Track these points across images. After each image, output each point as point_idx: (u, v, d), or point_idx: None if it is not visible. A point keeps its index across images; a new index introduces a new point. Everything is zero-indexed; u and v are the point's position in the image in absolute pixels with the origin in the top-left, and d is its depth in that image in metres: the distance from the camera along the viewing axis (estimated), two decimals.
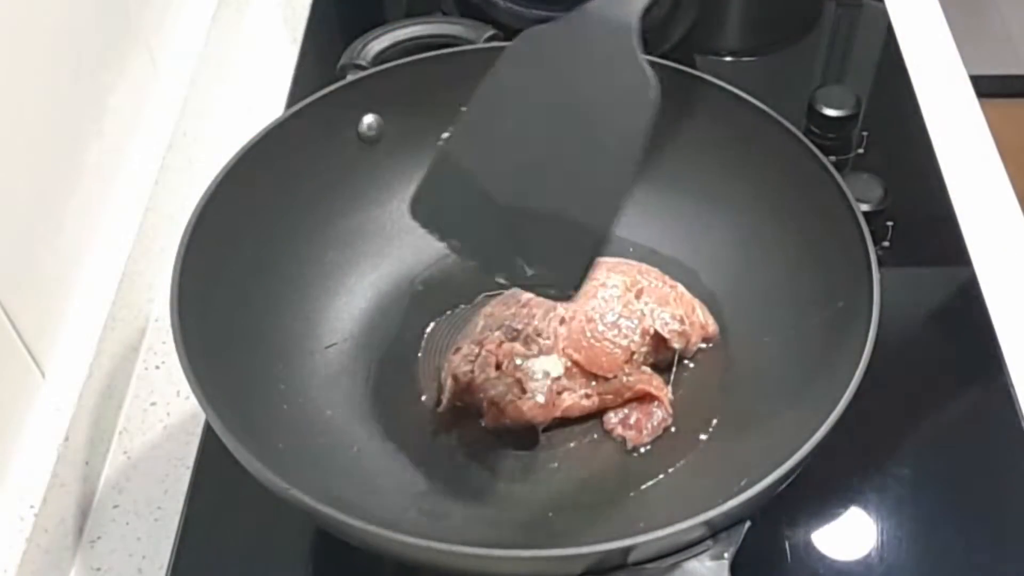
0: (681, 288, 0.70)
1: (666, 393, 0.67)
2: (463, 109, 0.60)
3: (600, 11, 0.58)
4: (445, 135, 0.60)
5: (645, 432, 0.65)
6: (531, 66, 0.59)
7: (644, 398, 0.66)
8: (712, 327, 0.70)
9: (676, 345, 0.68)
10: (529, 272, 0.57)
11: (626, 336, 0.67)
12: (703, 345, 0.70)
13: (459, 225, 0.59)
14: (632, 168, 0.56)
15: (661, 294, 0.69)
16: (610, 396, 0.66)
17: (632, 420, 0.66)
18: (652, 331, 0.67)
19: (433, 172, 0.60)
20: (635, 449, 0.65)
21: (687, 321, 0.68)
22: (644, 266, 0.71)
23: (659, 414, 0.66)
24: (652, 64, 0.63)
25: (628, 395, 0.66)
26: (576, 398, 0.66)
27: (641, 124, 0.56)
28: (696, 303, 0.70)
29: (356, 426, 0.66)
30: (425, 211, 0.59)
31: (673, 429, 0.66)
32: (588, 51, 0.58)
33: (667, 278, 0.71)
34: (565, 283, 0.56)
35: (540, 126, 0.58)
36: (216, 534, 0.67)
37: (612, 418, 0.66)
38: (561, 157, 0.57)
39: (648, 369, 0.68)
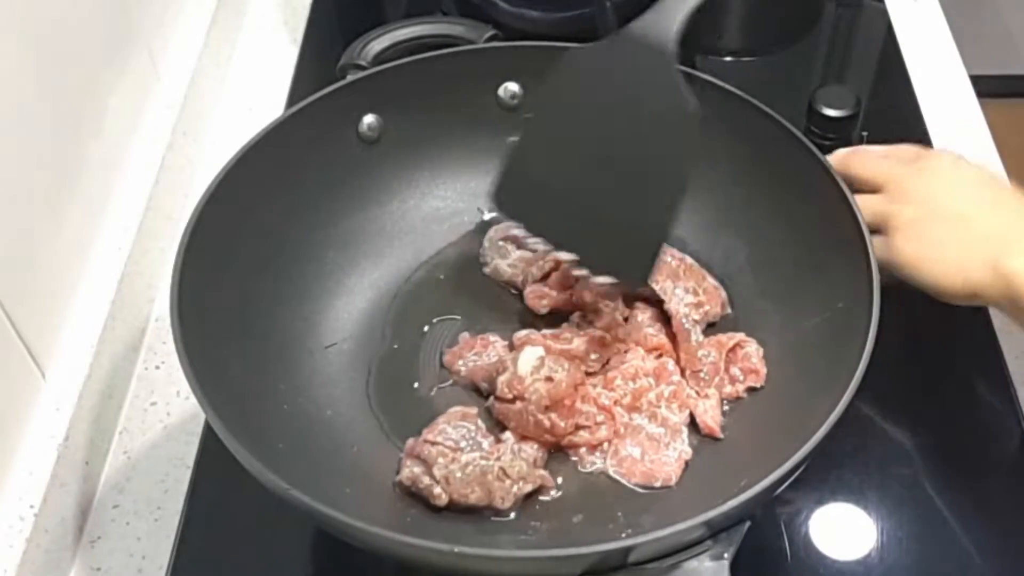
0: (689, 260, 0.71)
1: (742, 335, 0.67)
2: (527, 117, 0.67)
3: (639, 33, 0.61)
4: (512, 139, 0.67)
5: (760, 367, 0.66)
6: (581, 83, 0.63)
7: (732, 353, 0.67)
8: (724, 294, 0.70)
9: (695, 317, 0.68)
10: (602, 264, 0.63)
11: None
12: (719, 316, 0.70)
13: (537, 220, 0.65)
14: (681, 180, 0.62)
15: (669, 269, 0.69)
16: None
17: (739, 374, 0.66)
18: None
19: (507, 171, 0.66)
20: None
21: (699, 290, 0.69)
22: None
23: (751, 348, 0.67)
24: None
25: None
26: (711, 408, 0.65)
27: (684, 140, 0.61)
28: (705, 273, 0.71)
29: (356, 426, 0.66)
30: (507, 205, 0.66)
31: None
32: (631, 71, 0.62)
33: (674, 251, 0.71)
34: (634, 278, 0.64)
35: (595, 139, 0.63)
36: (216, 534, 0.67)
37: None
38: (618, 167, 0.62)
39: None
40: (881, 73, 0.99)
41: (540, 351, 0.65)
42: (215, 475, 0.69)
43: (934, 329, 0.78)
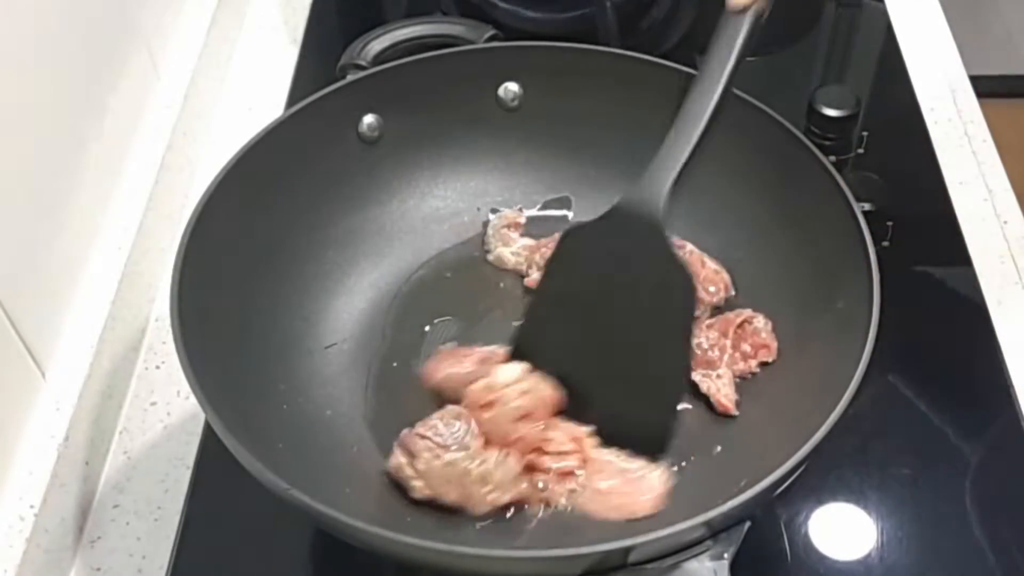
0: (689, 246, 0.71)
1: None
2: (533, 294, 0.70)
3: (630, 208, 0.63)
4: (517, 323, 0.68)
5: (770, 341, 0.67)
6: (582, 259, 0.65)
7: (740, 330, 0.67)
8: (726, 276, 0.71)
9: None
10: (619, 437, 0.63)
11: None
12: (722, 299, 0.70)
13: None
14: (681, 351, 0.64)
15: None
16: None
17: (749, 349, 0.67)
18: None
19: (517, 349, 0.67)
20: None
21: (698, 275, 0.69)
22: None
23: (760, 321, 0.67)
24: (654, 65, 0.65)
25: None
26: (724, 387, 0.66)
27: (681, 311, 0.63)
28: (704, 257, 0.71)
29: (356, 426, 0.66)
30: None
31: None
32: (627, 245, 0.64)
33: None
34: (649, 451, 0.63)
35: (599, 312, 0.65)
36: (216, 534, 0.67)
37: None
38: (623, 340, 0.64)
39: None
40: (881, 73, 0.99)
41: (524, 365, 0.64)
42: (215, 475, 0.69)
43: (934, 329, 0.78)
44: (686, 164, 0.63)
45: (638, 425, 0.63)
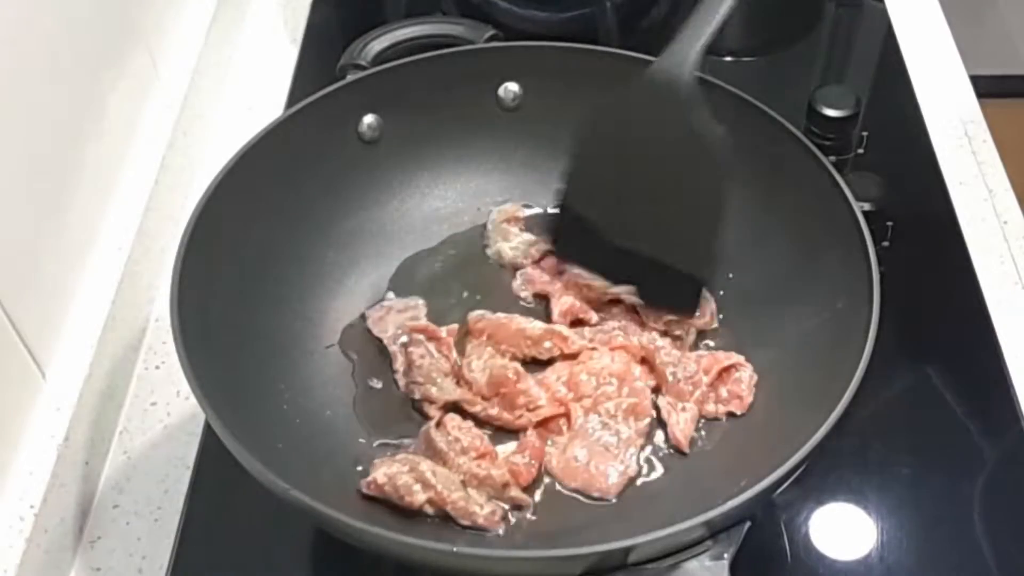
0: None
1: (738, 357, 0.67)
2: (569, 158, 0.70)
3: (659, 72, 0.64)
4: (558, 187, 0.71)
5: (746, 394, 0.66)
6: (612, 129, 0.67)
7: (724, 373, 0.66)
8: (713, 305, 0.70)
9: (676, 331, 0.69)
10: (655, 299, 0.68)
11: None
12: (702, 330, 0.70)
13: (594, 260, 0.70)
14: (717, 209, 0.65)
15: None
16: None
17: (725, 394, 0.66)
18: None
19: (560, 217, 0.71)
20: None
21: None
22: None
23: (746, 373, 0.66)
24: (649, 65, 0.65)
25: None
26: (683, 421, 0.65)
27: (715, 168, 0.64)
28: None
29: (356, 426, 0.66)
30: (567, 253, 0.72)
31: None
32: (656, 111, 0.64)
33: None
34: (685, 310, 0.68)
35: (634, 179, 0.67)
36: (216, 534, 0.67)
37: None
38: (658, 204, 0.66)
39: (702, 351, 0.69)
40: (881, 73, 0.99)
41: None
42: (215, 475, 0.69)
43: (934, 329, 0.78)
44: (713, 33, 0.63)
45: (674, 287, 0.67)
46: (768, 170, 0.70)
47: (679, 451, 0.64)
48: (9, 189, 0.64)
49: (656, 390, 0.67)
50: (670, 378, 0.66)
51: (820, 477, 0.68)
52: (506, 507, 0.61)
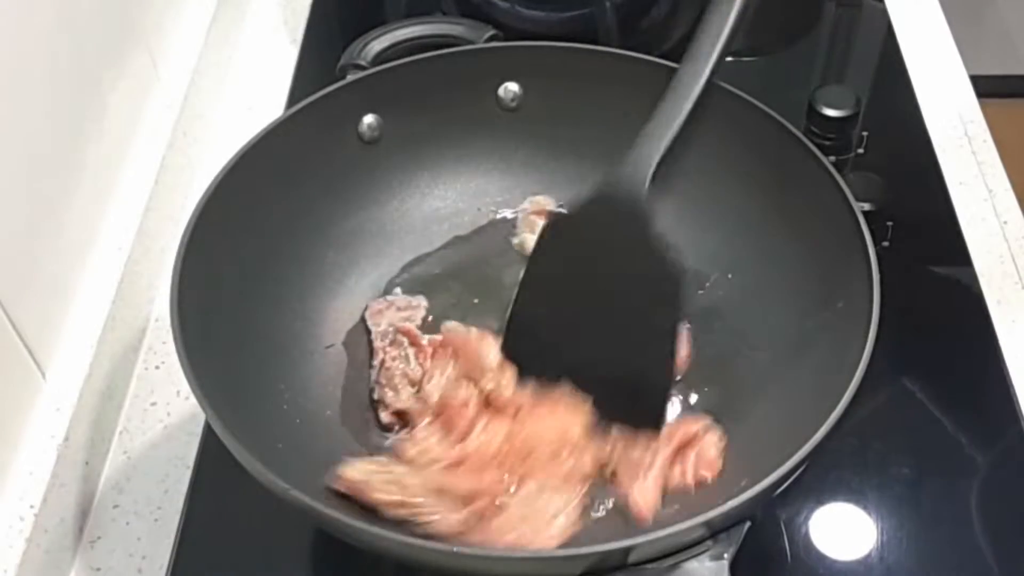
0: None
1: (702, 423, 0.63)
2: (521, 275, 0.68)
3: (614, 193, 0.62)
4: (513, 296, 0.67)
5: (715, 460, 0.61)
6: (567, 244, 0.65)
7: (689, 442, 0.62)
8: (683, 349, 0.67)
9: None
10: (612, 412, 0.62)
11: None
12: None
13: (547, 370, 0.64)
14: (669, 336, 0.63)
15: None
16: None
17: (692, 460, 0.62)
18: None
19: (511, 327, 0.67)
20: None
21: None
22: None
23: (711, 437, 0.62)
24: (653, 65, 0.67)
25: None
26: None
27: (668, 297, 0.62)
28: None
29: (356, 426, 0.66)
30: (515, 354, 0.66)
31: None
32: (612, 231, 0.63)
33: None
34: (644, 425, 0.62)
35: (589, 296, 0.64)
36: (216, 534, 0.67)
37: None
38: (611, 323, 0.63)
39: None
40: (881, 73, 0.99)
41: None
42: (215, 475, 0.69)
43: (934, 329, 0.78)
44: (667, 151, 0.62)
45: (630, 407, 0.62)
46: (768, 170, 0.70)
47: (640, 520, 0.58)
48: (9, 189, 0.64)
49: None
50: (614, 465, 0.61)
51: (820, 477, 0.68)
52: (464, 519, 0.59)
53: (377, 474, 0.59)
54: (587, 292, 0.64)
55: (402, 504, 0.58)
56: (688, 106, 0.63)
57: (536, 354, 0.65)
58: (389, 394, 0.65)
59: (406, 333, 0.68)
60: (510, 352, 0.66)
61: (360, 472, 0.59)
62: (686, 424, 0.63)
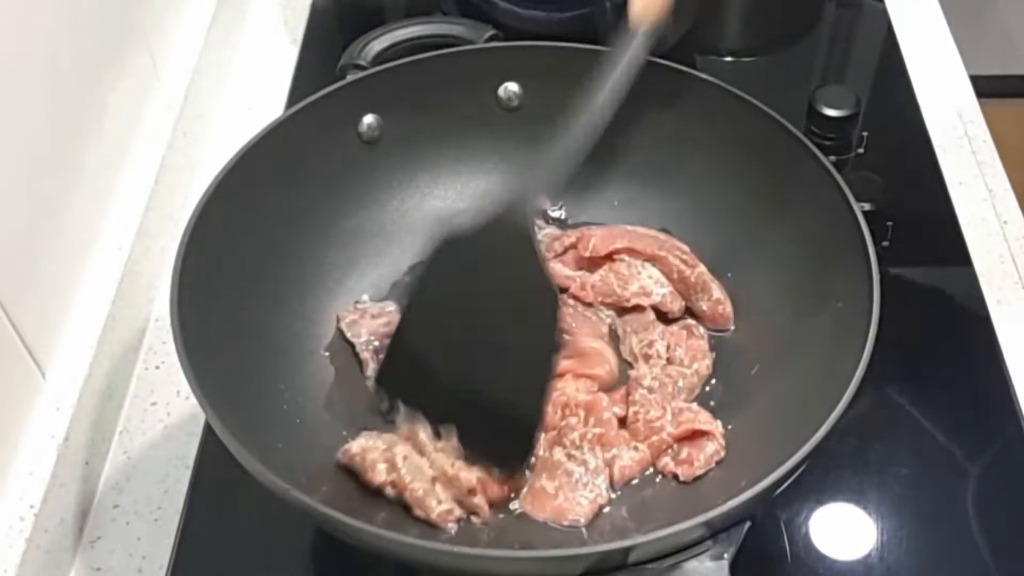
0: (700, 268, 0.71)
1: (717, 427, 0.64)
2: (408, 302, 0.66)
3: (502, 218, 0.61)
4: (398, 323, 0.66)
5: (697, 465, 0.62)
6: (456, 267, 0.63)
7: (695, 435, 0.63)
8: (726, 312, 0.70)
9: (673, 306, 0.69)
10: (480, 449, 0.62)
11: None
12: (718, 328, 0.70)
13: (418, 398, 0.64)
14: (549, 364, 0.61)
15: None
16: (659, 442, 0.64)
17: (684, 455, 0.63)
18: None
19: (390, 353, 0.66)
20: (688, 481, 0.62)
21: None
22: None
23: (711, 447, 0.63)
24: (653, 65, 0.66)
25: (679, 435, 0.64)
26: (629, 460, 0.63)
27: (546, 326, 0.61)
28: (699, 327, 0.71)
29: (356, 426, 0.66)
30: (389, 386, 0.65)
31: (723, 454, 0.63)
32: (498, 255, 0.62)
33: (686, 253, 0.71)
34: (508, 468, 0.62)
35: (470, 323, 0.63)
36: (216, 534, 0.67)
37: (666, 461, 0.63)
38: (490, 352, 0.62)
39: (694, 405, 0.66)
40: (881, 73, 0.99)
41: None
42: (215, 475, 0.69)
43: (934, 329, 0.78)
44: (558, 177, 0.62)
45: (501, 439, 0.62)
46: (768, 170, 0.70)
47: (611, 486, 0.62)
48: (9, 189, 0.64)
49: (623, 421, 0.65)
50: (631, 416, 0.65)
51: (820, 477, 0.68)
52: (462, 513, 0.60)
53: (373, 452, 0.60)
54: (468, 320, 0.63)
55: (395, 484, 0.59)
56: (583, 136, 0.62)
57: (411, 383, 0.64)
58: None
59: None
60: (385, 382, 0.65)
61: (359, 446, 0.60)
62: (694, 420, 0.64)
